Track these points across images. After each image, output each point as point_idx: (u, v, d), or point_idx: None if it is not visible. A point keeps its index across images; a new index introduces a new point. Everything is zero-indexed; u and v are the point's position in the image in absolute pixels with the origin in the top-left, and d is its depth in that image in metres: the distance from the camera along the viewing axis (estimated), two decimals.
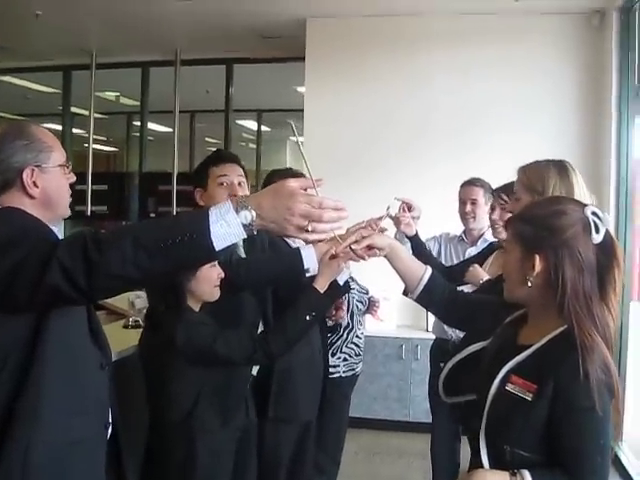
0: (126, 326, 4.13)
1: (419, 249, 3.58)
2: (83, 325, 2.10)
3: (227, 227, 1.64)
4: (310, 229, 1.69)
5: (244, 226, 1.65)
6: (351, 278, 4.33)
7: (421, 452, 4.82)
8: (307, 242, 1.91)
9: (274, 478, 3.48)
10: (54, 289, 1.68)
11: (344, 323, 4.27)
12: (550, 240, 1.86)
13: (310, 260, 2.97)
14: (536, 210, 1.99)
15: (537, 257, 1.88)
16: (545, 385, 1.77)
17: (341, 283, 3.06)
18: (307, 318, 2.81)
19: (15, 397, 1.88)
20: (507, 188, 3.85)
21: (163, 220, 1.79)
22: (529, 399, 1.79)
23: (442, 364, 2.41)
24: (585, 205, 1.92)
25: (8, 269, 1.74)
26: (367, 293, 4.52)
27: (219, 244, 1.65)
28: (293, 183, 1.70)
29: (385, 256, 2.47)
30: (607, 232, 1.88)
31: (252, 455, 3.16)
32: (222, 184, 3.08)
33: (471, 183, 4.39)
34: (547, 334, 1.86)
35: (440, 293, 2.47)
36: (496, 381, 1.89)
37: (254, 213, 1.65)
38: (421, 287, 2.45)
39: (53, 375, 1.94)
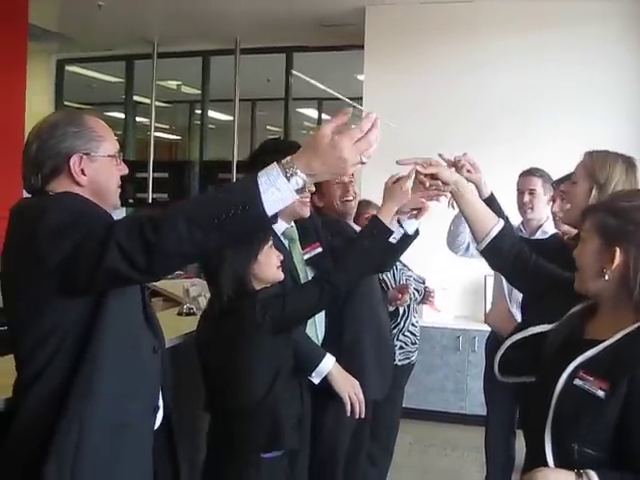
0: (180, 313, 4.14)
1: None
2: (138, 309, 2.13)
3: (278, 193, 1.65)
4: (365, 160, 1.68)
5: (297, 191, 1.66)
6: (407, 268, 4.32)
7: (476, 445, 4.76)
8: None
9: (332, 461, 3.44)
10: (113, 270, 1.73)
11: (401, 310, 4.26)
12: (633, 235, 1.81)
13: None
14: (622, 202, 1.92)
15: (618, 250, 1.82)
16: (619, 382, 1.71)
17: (410, 232, 3.10)
18: (365, 243, 2.82)
19: (71, 376, 1.92)
20: (568, 179, 3.77)
21: (214, 194, 1.79)
22: (601, 396, 1.73)
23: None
24: None
25: (67, 253, 1.79)
26: (423, 283, 4.50)
27: (271, 210, 1.66)
28: (327, 131, 1.68)
29: (453, 197, 2.45)
30: None
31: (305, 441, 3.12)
32: None
33: (530, 173, 4.29)
34: (620, 330, 1.81)
35: (508, 249, 2.39)
36: (564, 376, 1.83)
37: (305, 176, 1.65)
38: (489, 239, 2.38)
39: (108, 356, 1.97)
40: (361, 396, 2.97)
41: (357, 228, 3.60)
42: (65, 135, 2.06)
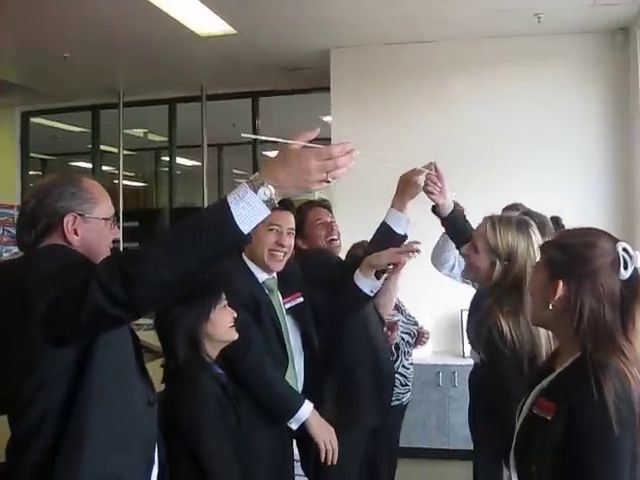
0: (164, 365, 4.11)
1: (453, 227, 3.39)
2: (130, 360, 2.11)
3: (249, 208, 1.66)
4: (330, 179, 1.71)
5: (265, 202, 1.67)
6: (400, 309, 4.34)
7: (462, 479, 4.75)
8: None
9: None
10: (96, 308, 1.72)
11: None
12: (575, 269, 1.91)
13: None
14: (569, 238, 2.04)
15: (560, 283, 1.92)
16: (561, 405, 1.81)
17: (402, 233, 3.23)
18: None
19: (60, 430, 1.90)
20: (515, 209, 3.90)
21: (186, 220, 1.81)
22: (549, 418, 1.83)
23: None
24: (617, 240, 1.95)
25: (54, 299, 1.79)
26: (416, 324, 4.50)
27: (246, 227, 1.67)
28: (295, 145, 1.72)
29: None
30: (635, 270, 1.91)
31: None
32: (272, 230, 3.06)
33: (514, 208, 4.33)
34: (570, 358, 1.91)
35: None
36: (527, 403, 1.96)
37: (272, 187, 1.67)
38: None
39: (98, 409, 1.94)
40: (335, 443, 2.99)
41: None
42: (62, 195, 2.09)
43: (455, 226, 3.32)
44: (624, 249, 1.90)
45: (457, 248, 3.46)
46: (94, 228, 2.14)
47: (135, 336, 2.18)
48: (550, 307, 1.94)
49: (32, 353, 1.89)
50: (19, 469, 1.92)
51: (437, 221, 3.36)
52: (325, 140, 7.50)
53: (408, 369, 4.41)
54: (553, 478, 1.82)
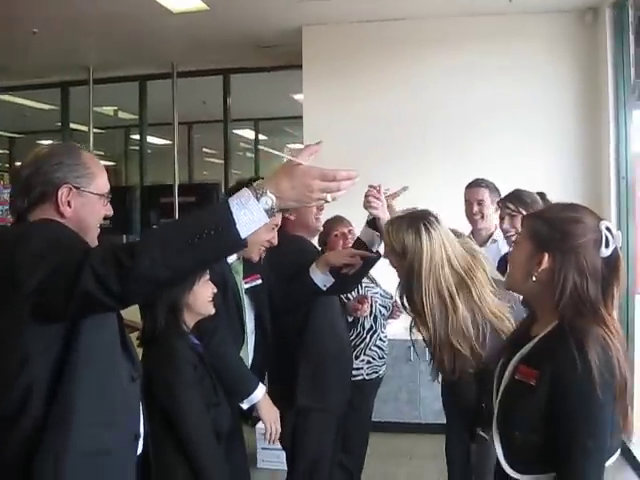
0: (139, 338, 4.12)
1: None
2: (115, 337, 2.12)
3: (250, 214, 1.70)
4: (330, 199, 1.76)
5: (266, 211, 1.71)
6: (375, 283, 4.41)
7: (433, 453, 4.83)
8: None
9: (316, 472, 3.62)
10: (87, 295, 1.74)
11: (367, 325, 4.35)
12: (561, 243, 1.96)
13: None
14: (555, 213, 2.08)
15: (546, 255, 1.97)
16: (544, 371, 1.87)
17: (374, 249, 3.33)
18: None
19: (47, 406, 1.90)
20: (513, 196, 3.96)
21: (187, 218, 1.83)
22: (533, 384, 1.89)
23: None
24: (601, 219, 2.00)
25: (44, 278, 1.79)
26: (391, 298, 4.56)
27: (244, 231, 1.71)
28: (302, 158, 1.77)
29: None
30: (615, 249, 1.96)
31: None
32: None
33: (476, 184, 4.48)
34: (548, 325, 1.97)
35: None
36: (508, 371, 2.01)
37: (274, 197, 1.71)
38: None
39: (84, 385, 1.95)
40: (279, 425, 3.16)
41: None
42: (60, 165, 2.09)
43: None
44: (607, 228, 1.95)
45: None
46: (88, 202, 2.14)
47: (119, 313, 2.18)
48: (533, 279, 2.00)
49: (17, 326, 1.89)
50: (7, 444, 1.92)
51: None
52: (296, 118, 7.54)
53: (384, 342, 4.49)
54: (538, 443, 1.87)
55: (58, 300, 1.79)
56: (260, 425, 3.46)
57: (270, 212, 1.72)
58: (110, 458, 2.03)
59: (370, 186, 3.21)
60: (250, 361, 3.32)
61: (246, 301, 3.29)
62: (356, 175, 1.78)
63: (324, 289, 3.42)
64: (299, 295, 3.50)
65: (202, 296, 2.87)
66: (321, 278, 3.39)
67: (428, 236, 2.68)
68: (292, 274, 3.47)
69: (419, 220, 2.72)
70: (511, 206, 3.93)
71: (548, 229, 2.01)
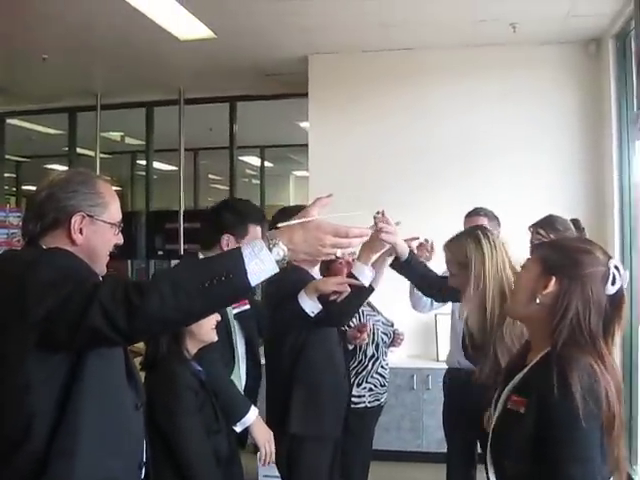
0: (142, 363, 4.14)
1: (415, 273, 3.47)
2: (121, 366, 2.12)
3: (261, 264, 1.73)
4: (340, 254, 1.80)
5: (277, 262, 1.75)
6: (377, 311, 4.42)
7: None
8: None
9: None
10: (94, 330, 1.74)
11: (369, 353, 4.35)
12: (570, 269, 1.98)
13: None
14: (567, 242, 2.17)
15: (553, 279, 1.99)
16: (532, 399, 1.88)
17: (366, 284, 3.36)
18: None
19: (52, 434, 1.89)
20: (545, 222, 3.98)
21: (199, 262, 1.88)
22: (522, 412, 1.90)
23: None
24: (610, 257, 2.02)
25: (52, 308, 1.79)
26: (392, 326, 4.57)
27: (254, 280, 1.73)
28: (314, 211, 1.83)
29: None
30: (621, 288, 1.98)
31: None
32: None
33: (475, 213, 4.52)
34: (540, 353, 1.99)
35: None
36: (501, 401, 2.03)
37: (285, 249, 1.75)
38: None
39: (90, 414, 1.95)
40: (273, 447, 3.18)
41: (317, 275, 3.72)
42: (75, 193, 2.10)
43: (417, 271, 3.43)
44: (615, 266, 1.97)
45: (427, 294, 3.70)
46: (100, 231, 2.15)
47: None
48: (537, 301, 2.01)
49: (20, 353, 1.89)
50: (13, 466, 1.90)
51: None
52: (302, 146, 7.58)
53: (386, 369, 4.48)
54: (527, 471, 1.87)
55: (64, 332, 1.80)
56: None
57: (281, 262, 1.76)
58: None
59: (376, 215, 3.21)
60: (243, 386, 3.35)
61: (235, 326, 3.32)
62: (368, 233, 1.83)
63: (312, 315, 3.43)
64: (287, 321, 3.53)
65: (206, 323, 2.87)
66: (309, 304, 3.41)
67: (487, 241, 2.89)
68: (285, 300, 3.49)
69: (475, 230, 2.98)
70: (542, 232, 3.91)
71: (558, 255, 2.04)
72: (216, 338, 2.96)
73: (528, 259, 2.20)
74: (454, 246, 2.98)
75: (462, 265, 2.90)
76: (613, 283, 1.95)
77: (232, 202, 3.55)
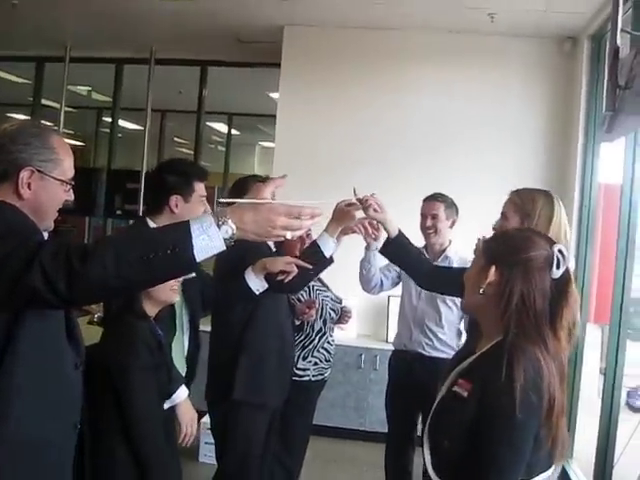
0: (91, 322, 4.13)
1: (395, 251, 3.33)
2: (60, 324, 2.09)
3: (209, 240, 1.70)
4: (289, 237, 1.77)
5: (225, 240, 1.72)
6: (326, 287, 4.43)
7: (375, 461, 4.85)
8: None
9: (246, 467, 3.65)
10: (32, 290, 1.69)
11: (316, 327, 4.36)
12: (509, 256, 2.01)
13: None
14: (508, 232, 2.21)
15: (493, 268, 2.02)
16: (476, 384, 1.91)
17: (327, 255, 3.39)
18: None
19: None
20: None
21: (145, 232, 1.84)
22: (465, 396, 1.92)
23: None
24: (554, 242, 2.04)
25: None
26: (340, 302, 4.58)
27: (200, 256, 1.70)
28: (267, 193, 1.81)
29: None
30: (567, 271, 2.01)
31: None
32: (202, 201, 3.23)
33: (433, 198, 4.48)
34: (492, 341, 2.01)
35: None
36: (446, 383, 2.05)
37: (234, 227, 1.72)
38: None
39: (26, 374, 1.93)
40: (195, 428, 3.13)
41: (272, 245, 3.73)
42: (27, 146, 2.04)
43: (408, 253, 3.33)
44: (559, 250, 1.99)
45: (421, 282, 3.50)
46: (49, 187, 2.09)
47: None
48: (481, 292, 2.03)
49: None
50: None
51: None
52: (270, 116, 7.53)
53: (331, 345, 4.50)
54: (463, 455, 1.89)
55: (2, 289, 1.73)
56: (205, 419, 3.47)
57: (228, 241, 1.73)
58: (50, 448, 2.02)
59: (367, 196, 3.16)
60: (185, 353, 3.34)
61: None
62: (320, 213, 1.81)
63: (257, 293, 3.47)
64: (234, 295, 3.57)
65: (164, 285, 2.83)
66: (255, 282, 3.45)
67: (559, 204, 2.90)
68: (234, 271, 3.49)
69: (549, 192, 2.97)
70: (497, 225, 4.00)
71: (497, 244, 2.09)
72: (176, 299, 2.93)
73: (475, 255, 2.23)
74: (525, 194, 2.94)
75: (524, 215, 2.85)
76: (558, 267, 1.97)
77: (173, 163, 3.50)
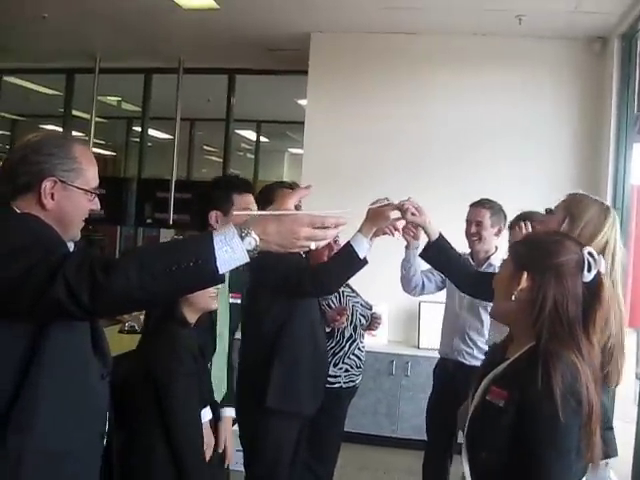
0: (121, 331, 4.14)
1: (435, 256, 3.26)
2: (85, 335, 2.08)
3: (232, 252, 1.68)
4: (314, 247, 1.75)
5: (248, 251, 1.70)
6: (355, 293, 4.41)
7: (407, 468, 4.83)
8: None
9: (275, 475, 3.62)
10: (56, 303, 1.68)
11: (347, 334, 4.34)
12: (540, 261, 1.97)
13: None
14: (537, 237, 2.15)
15: (525, 274, 1.98)
16: (513, 393, 1.87)
17: (361, 256, 3.30)
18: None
19: (11, 404, 1.86)
20: (521, 218, 3.95)
21: (169, 244, 1.82)
22: (501, 405, 1.88)
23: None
24: (584, 245, 2.00)
25: (15, 276, 1.73)
26: (370, 309, 4.55)
27: (223, 268, 1.69)
28: (291, 204, 1.78)
29: None
30: (598, 273, 1.96)
31: None
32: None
33: (479, 204, 4.39)
34: (524, 347, 1.97)
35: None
36: (479, 392, 2.01)
37: (258, 239, 1.70)
38: None
39: (51, 384, 1.92)
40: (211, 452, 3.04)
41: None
42: (50, 157, 2.03)
43: (449, 257, 3.25)
44: (589, 253, 1.95)
45: (462, 285, 3.41)
46: (73, 197, 2.07)
47: None
48: (513, 298, 1.99)
49: None
50: None
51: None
52: (299, 123, 7.53)
53: (362, 351, 4.47)
54: (503, 464, 1.87)
55: (27, 301, 1.72)
56: (236, 427, 3.45)
57: (252, 253, 1.71)
58: (73, 457, 2.00)
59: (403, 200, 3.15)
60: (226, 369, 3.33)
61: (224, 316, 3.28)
62: (344, 222, 1.78)
63: (361, 258, 3.31)
64: (268, 300, 3.57)
65: (203, 292, 2.78)
66: (363, 246, 3.29)
67: (613, 221, 2.60)
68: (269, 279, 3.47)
69: (604, 204, 2.68)
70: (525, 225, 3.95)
71: (527, 249, 2.05)
72: (215, 306, 2.91)
73: (504, 260, 2.20)
74: (581, 196, 2.71)
75: (572, 216, 2.60)
76: (589, 270, 1.93)
77: (217, 178, 3.50)
